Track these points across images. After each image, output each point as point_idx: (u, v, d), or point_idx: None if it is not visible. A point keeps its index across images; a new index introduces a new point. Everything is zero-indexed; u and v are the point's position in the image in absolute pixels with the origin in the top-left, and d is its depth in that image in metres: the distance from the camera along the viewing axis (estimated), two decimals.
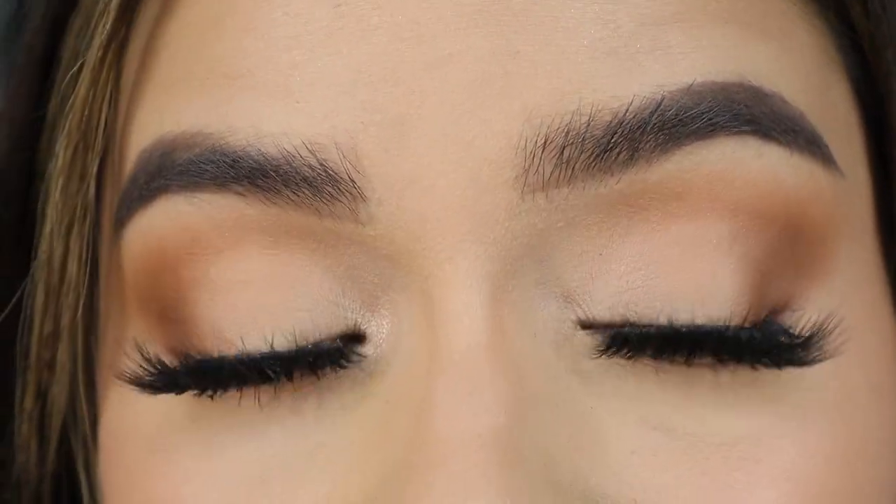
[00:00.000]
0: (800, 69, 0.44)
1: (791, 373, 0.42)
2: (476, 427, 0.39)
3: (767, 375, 0.42)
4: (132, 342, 0.45)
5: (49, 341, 0.48)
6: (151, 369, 0.44)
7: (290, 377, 0.42)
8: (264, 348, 0.42)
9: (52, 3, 0.49)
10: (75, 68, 0.46)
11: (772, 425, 0.42)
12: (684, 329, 0.41)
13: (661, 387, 0.42)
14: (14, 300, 0.48)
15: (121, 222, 0.45)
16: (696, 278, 0.42)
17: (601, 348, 0.42)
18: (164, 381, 0.44)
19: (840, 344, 0.43)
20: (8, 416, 0.50)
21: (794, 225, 0.42)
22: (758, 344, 0.42)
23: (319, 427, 0.42)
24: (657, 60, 0.41)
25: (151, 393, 0.44)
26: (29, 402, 0.49)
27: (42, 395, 0.49)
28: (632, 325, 0.42)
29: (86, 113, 0.45)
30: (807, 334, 0.42)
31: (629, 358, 0.42)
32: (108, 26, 0.45)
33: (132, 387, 0.44)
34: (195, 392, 0.43)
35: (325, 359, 0.42)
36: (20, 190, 0.50)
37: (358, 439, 0.42)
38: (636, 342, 0.41)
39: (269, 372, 0.42)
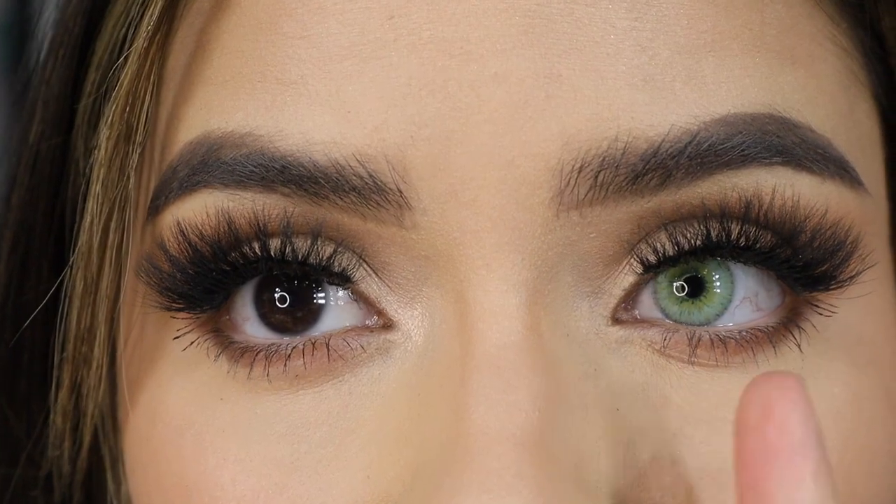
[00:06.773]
0: (826, 94, 0.45)
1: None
2: (510, 425, 0.40)
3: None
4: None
5: (87, 333, 0.48)
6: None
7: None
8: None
9: None
10: (120, 60, 0.46)
11: None
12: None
13: (690, 391, 0.43)
14: (51, 293, 0.48)
15: (156, 209, 0.46)
16: None
17: (630, 338, 0.43)
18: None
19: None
20: (41, 411, 0.50)
21: (822, 244, 0.44)
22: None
23: (348, 414, 0.44)
24: (692, 90, 0.43)
25: (177, 304, 0.45)
26: (64, 397, 0.49)
27: (77, 390, 0.49)
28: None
29: (129, 104, 0.45)
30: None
31: (662, 351, 0.43)
32: (154, 17, 0.45)
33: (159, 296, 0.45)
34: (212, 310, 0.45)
35: (354, 334, 0.44)
36: (52, 176, 0.50)
37: (391, 429, 0.43)
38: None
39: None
